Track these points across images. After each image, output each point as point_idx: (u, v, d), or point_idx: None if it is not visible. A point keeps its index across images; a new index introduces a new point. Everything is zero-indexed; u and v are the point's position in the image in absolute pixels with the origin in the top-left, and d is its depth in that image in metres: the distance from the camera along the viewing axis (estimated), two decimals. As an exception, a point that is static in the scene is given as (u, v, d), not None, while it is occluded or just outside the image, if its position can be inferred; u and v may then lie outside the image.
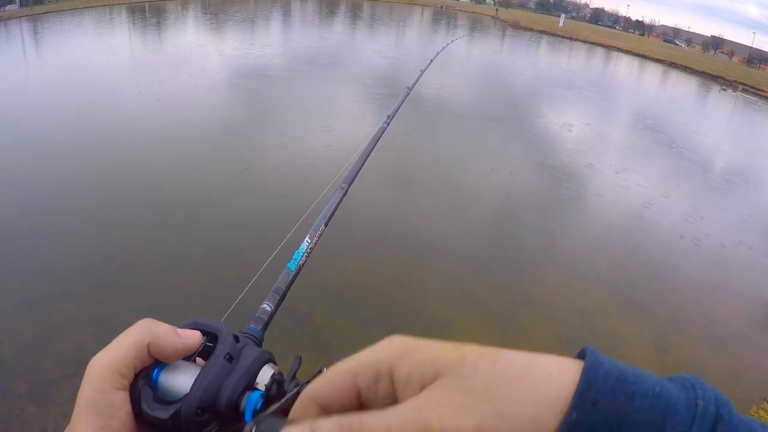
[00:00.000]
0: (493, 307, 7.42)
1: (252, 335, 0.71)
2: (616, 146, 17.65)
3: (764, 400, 6.22)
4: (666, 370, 6.68)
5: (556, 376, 0.39)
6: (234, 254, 7.67)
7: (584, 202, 11.89)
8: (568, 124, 18.50)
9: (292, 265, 0.95)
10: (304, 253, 0.99)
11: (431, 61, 3.33)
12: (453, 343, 0.44)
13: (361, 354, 0.45)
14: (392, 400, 0.42)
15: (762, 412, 5.85)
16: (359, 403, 0.44)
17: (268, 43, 26.84)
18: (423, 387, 0.41)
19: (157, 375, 0.59)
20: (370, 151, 1.60)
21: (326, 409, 0.45)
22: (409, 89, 2.59)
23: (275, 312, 0.83)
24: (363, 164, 1.50)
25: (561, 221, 10.53)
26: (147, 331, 0.58)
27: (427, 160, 12.65)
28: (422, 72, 2.88)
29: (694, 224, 11.58)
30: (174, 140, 11.76)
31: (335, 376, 0.45)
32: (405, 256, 8.22)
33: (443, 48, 3.90)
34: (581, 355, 0.41)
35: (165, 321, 0.62)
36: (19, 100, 13.79)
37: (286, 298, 0.90)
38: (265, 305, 0.83)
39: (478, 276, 8.09)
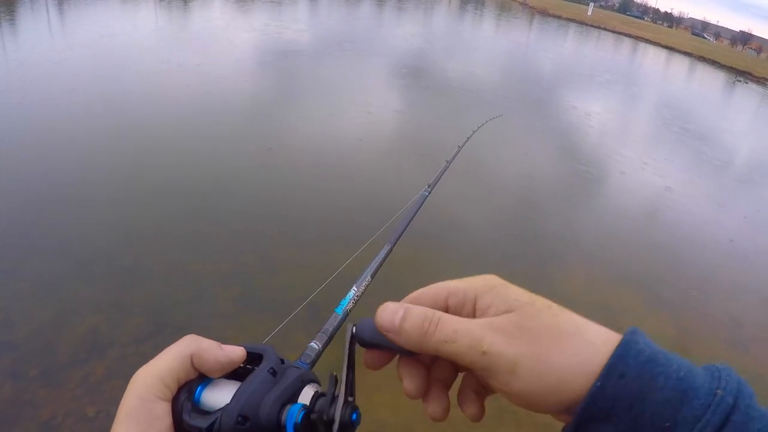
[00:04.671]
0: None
1: (299, 368, 0.70)
2: (649, 141, 17.49)
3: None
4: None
5: (598, 343, 0.47)
6: (256, 238, 7.64)
7: (611, 196, 11.78)
8: (594, 113, 18.35)
9: (339, 310, 1.01)
10: (351, 299, 1.07)
11: (468, 138, 3.48)
12: (532, 293, 0.54)
13: (460, 280, 0.57)
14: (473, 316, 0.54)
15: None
16: (446, 309, 0.57)
17: (296, 28, 26.72)
18: (496, 316, 0.52)
19: (200, 391, 0.60)
20: (413, 217, 1.74)
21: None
22: (449, 162, 2.73)
23: (323, 350, 0.88)
24: (406, 227, 1.62)
25: (587, 214, 10.43)
26: (191, 344, 0.61)
27: (452, 146, 12.56)
28: (459, 148, 3.12)
29: (724, 221, 11.45)
30: (201, 119, 11.70)
31: (434, 290, 0.59)
32: (426, 243, 8.14)
33: (480, 126, 3.98)
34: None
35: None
36: (44, 74, 13.79)
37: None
38: (313, 344, 0.87)
39: (502, 268, 8.00)
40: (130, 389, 0.57)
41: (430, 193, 2.14)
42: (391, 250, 1.41)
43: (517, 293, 0.53)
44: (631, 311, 7.55)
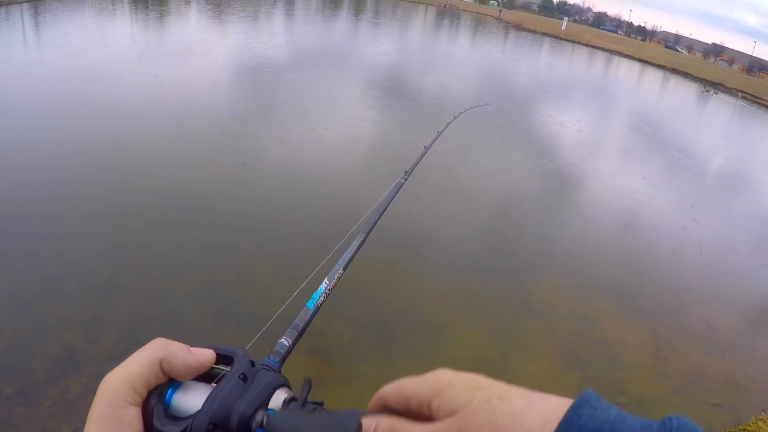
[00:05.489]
0: (493, 312, 7.35)
1: (269, 366, 0.71)
2: (624, 153, 17.67)
3: (763, 410, 6.18)
4: (666, 378, 6.68)
5: (537, 429, 0.46)
6: (229, 252, 7.59)
7: (586, 208, 11.89)
8: (569, 125, 18.52)
9: (311, 304, 0.99)
10: (322, 293, 1.04)
11: (448, 124, 3.46)
12: (478, 384, 0.53)
13: (417, 382, 0.57)
14: (432, 417, 0.54)
15: (761, 423, 5.80)
16: (410, 411, 0.57)
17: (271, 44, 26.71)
18: (446, 417, 0.52)
19: (171, 394, 0.60)
20: (388, 204, 1.69)
21: (388, 408, 0.59)
22: (426, 148, 2.70)
23: (293, 347, 0.87)
24: (381, 215, 1.62)
25: (562, 226, 10.51)
26: (159, 348, 0.60)
27: (427, 160, 12.58)
28: (439, 133, 3.05)
29: (695, 231, 11.59)
30: (174, 134, 11.63)
31: (397, 392, 0.58)
32: (403, 258, 8.14)
33: (461, 113, 3.97)
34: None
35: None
36: (16, 88, 13.66)
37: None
38: (283, 340, 0.86)
39: (478, 280, 8.03)
40: (99, 395, 0.57)
41: (406, 180, 2.10)
42: (364, 240, 1.39)
43: (458, 393, 0.53)
44: (607, 321, 7.60)
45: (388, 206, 1.65)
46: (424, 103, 17.81)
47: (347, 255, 1.23)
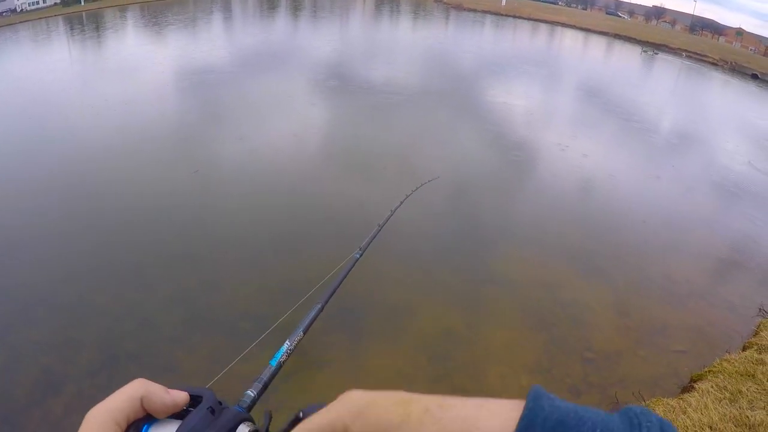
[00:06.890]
0: (456, 288, 7.49)
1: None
2: (573, 122, 17.80)
3: (726, 351, 6.41)
4: (630, 332, 6.87)
5: (497, 426, 0.41)
6: (192, 260, 7.62)
7: (538, 176, 12.10)
8: (517, 100, 18.68)
9: (273, 362, 1.10)
10: (284, 352, 1.15)
11: (401, 203, 3.52)
12: (404, 398, 0.47)
13: (323, 412, 0.51)
14: None
15: (725, 364, 6.01)
16: None
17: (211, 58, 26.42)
18: None
19: (147, 429, 0.64)
20: (343, 279, 1.81)
21: None
22: (380, 226, 2.73)
23: (258, 398, 0.96)
24: (337, 287, 1.70)
25: (517, 197, 10.68)
26: (141, 387, 0.64)
27: (378, 141, 12.72)
28: (392, 212, 3.08)
29: (645, 185, 11.87)
30: (125, 150, 11.48)
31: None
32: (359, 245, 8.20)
33: (415, 189, 4.04)
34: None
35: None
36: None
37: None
38: (249, 391, 0.96)
39: (438, 259, 8.15)
40: (85, 426, 0.60)
41: (361, 255, 2.18)
42: (321, 308, 1.49)
43: (385, 412, 0.47)
44: (568, 284, 7.80)
45: (343, 280, 1.76)
46: (381, 98, 17.82)
47: (306, 321, 1.33)
